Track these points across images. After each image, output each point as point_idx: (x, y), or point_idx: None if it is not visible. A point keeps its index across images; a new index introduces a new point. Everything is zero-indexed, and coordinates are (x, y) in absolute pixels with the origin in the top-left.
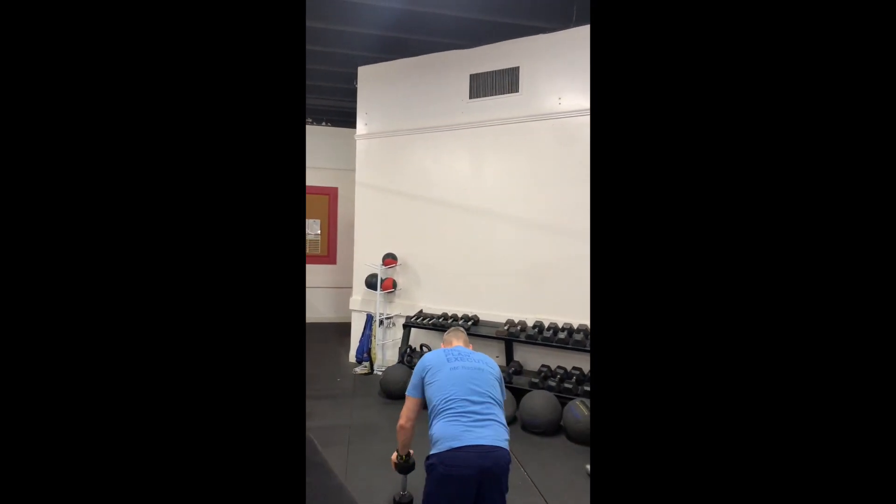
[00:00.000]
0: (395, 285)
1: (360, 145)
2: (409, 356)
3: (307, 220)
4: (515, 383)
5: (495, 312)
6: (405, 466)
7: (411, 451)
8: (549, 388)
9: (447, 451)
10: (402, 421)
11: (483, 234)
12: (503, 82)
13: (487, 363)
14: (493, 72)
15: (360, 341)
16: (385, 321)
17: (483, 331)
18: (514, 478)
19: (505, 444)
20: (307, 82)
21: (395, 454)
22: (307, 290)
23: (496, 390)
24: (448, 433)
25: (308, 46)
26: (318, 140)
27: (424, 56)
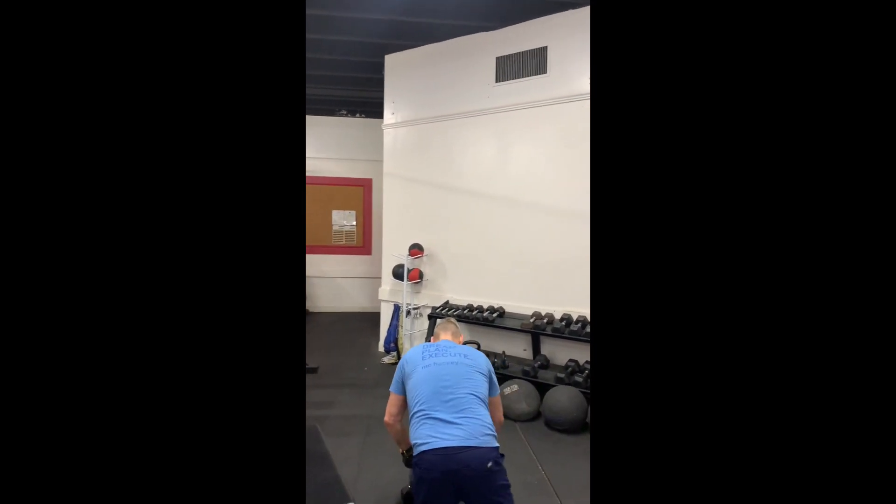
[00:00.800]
0: (421, 276)
1: (388, 135)
2: None
3: (343, 212)
4: (541, 378)
5: (522, 304)
6: (408, 460)
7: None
8: (576, 384)
9: (419, 454)
10: (385, 417)
11: (510, 224)
12: (530, 64)
13: (468, 356)
14: (519, 53)
15: (388, 331)
16: (412, 311)
17: (509, 323)
18: (531, 476)
19: (480, 442)
20: (336, 73)
21: (401, 448)
22: (343, 279)
23: (475, 383)
24: (419, 436)
25: (335, 36)
26: (353, 131)
27: (450, 41)
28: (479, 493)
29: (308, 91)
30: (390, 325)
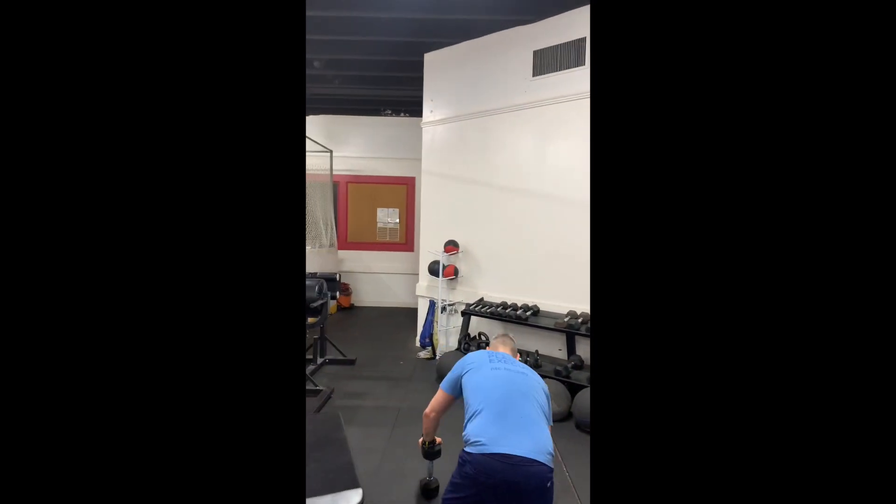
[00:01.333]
0: (456, 272)
1: (426, 133)
2: (467, 344)
3: (386, 209)
4: (574, 378)
5: (558, 303)
6: (430, 453)
7: (438, 439)
8: None
9: (479, 454)
10: (427, 409)
11: (547, 220)
12: (568, 56)
13: (533, 372)
14: (557, 46)
15: (424, 326)
16: (448, 308)
17: (543, 322)
18: (555, 477)
19: (544, 459)
20: (379, 73)
21: (421, 438)
22: (386, 275)
23: (542, 401)
24: (483, 435)
25: (376, 37)
26: (397, 131)
27: (486, 36)
28: None
29: (353, 92)
30: (426, 321)
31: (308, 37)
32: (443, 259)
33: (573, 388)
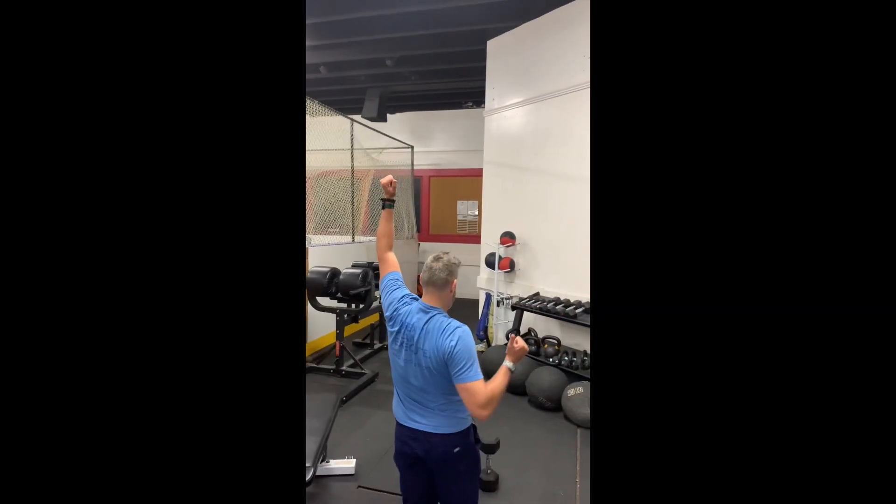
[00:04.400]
0: (512, 265)
1: (489, 122)
2: None
3: (466, 202)
4: None
5: None
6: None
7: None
8: None
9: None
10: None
11: None
12: None
13: (438, 348)
14: None
15: (480, 319)
16: (504, 301)
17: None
18: (561, 487)
19: (434, 429)
20: (451, 66)
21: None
22: (465, 267)
23: (439, 386)
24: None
25: (445, 29)
26: (475, 122)
27: (544, 16)
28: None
29: (431, 86)
30: (482, 314)
31: (375, 36)
32: (499, 251)
33: None
